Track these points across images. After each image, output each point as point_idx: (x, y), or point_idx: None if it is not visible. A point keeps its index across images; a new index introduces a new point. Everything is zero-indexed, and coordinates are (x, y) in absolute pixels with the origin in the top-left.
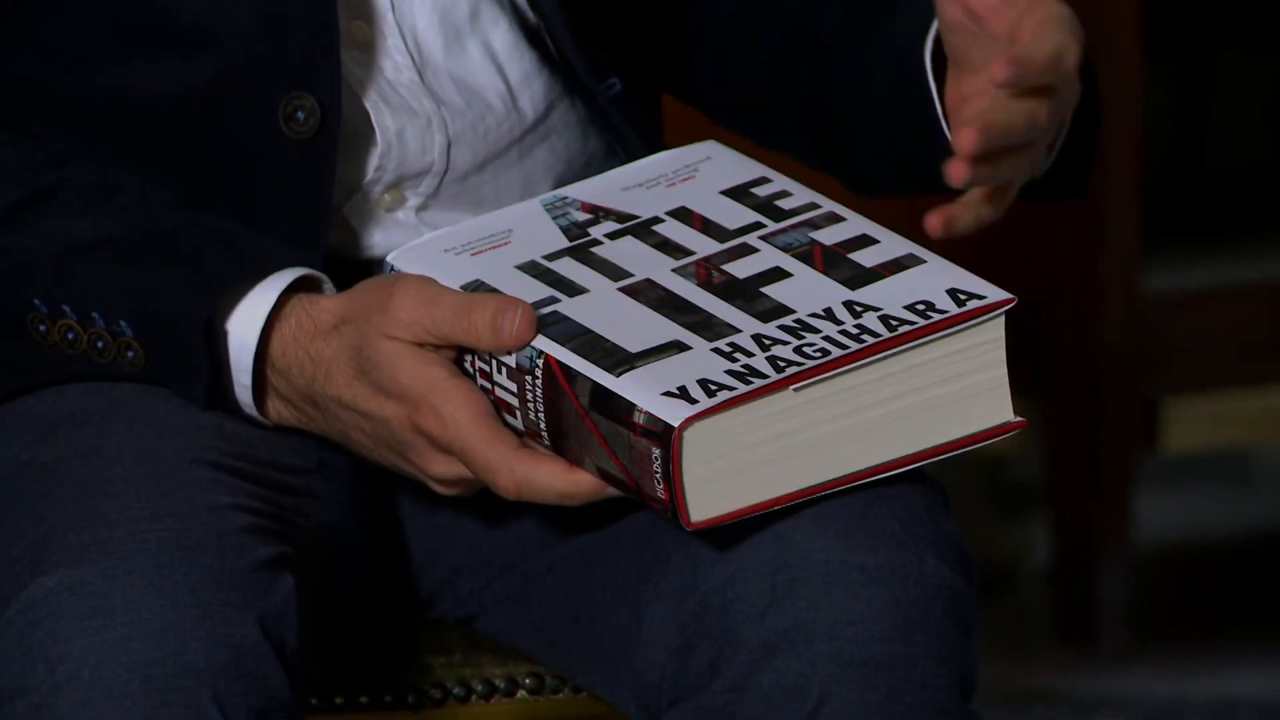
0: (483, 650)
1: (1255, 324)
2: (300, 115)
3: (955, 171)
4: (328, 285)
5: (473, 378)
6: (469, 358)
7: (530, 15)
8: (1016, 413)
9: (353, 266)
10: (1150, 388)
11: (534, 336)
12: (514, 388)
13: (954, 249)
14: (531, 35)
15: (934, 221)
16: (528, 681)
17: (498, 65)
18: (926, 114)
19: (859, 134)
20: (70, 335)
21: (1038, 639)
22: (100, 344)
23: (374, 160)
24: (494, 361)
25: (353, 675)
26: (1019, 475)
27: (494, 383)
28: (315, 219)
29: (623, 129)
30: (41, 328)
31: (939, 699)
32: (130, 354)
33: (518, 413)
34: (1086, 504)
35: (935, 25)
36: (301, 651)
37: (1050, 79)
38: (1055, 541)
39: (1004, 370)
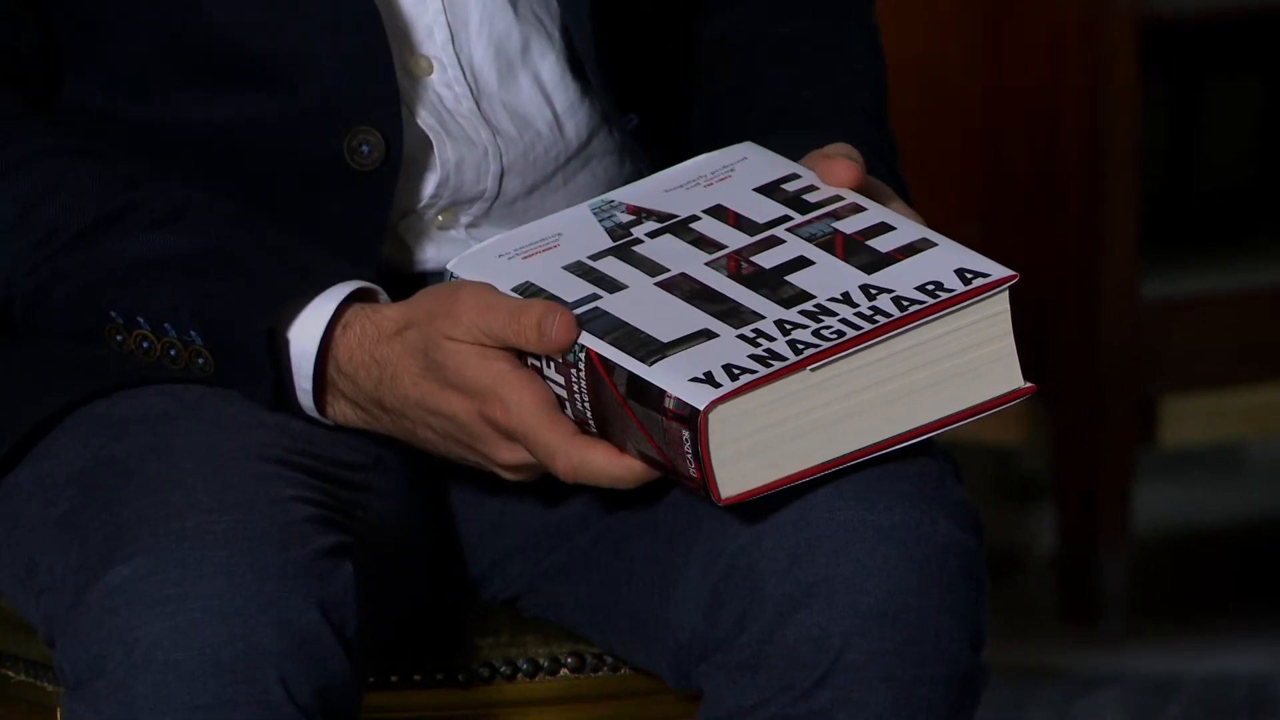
0: (527, 631)
1: (1246, 326)
2: (365, 149)
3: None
4: (383, 296)
5: None
6: (525, 356)
7: (576, 48)
8: (1025, 409)
9: (407, 279)
10: (1148, 386)
11: (575, 338)
12: (562, 380)
13: None
14: (575, 67)
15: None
16: (569, 660)
17: (545, 95)
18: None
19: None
20: (145, 344)
21: (1043, 621)
22: (173, 352)
23: (431, 188)
24: (544, 358)
25: (407, 656)
26: (1027, 468)
27: (545, 377)
28: (370, 238)
29: (641, 160)
30: (119, 337)
31: (951, 649)
32: (200, 361)
33: (567, 404)
34: (1089, 495)
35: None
36: (360, 634)
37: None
38: (1060, 530)
39: (1011, 341)
